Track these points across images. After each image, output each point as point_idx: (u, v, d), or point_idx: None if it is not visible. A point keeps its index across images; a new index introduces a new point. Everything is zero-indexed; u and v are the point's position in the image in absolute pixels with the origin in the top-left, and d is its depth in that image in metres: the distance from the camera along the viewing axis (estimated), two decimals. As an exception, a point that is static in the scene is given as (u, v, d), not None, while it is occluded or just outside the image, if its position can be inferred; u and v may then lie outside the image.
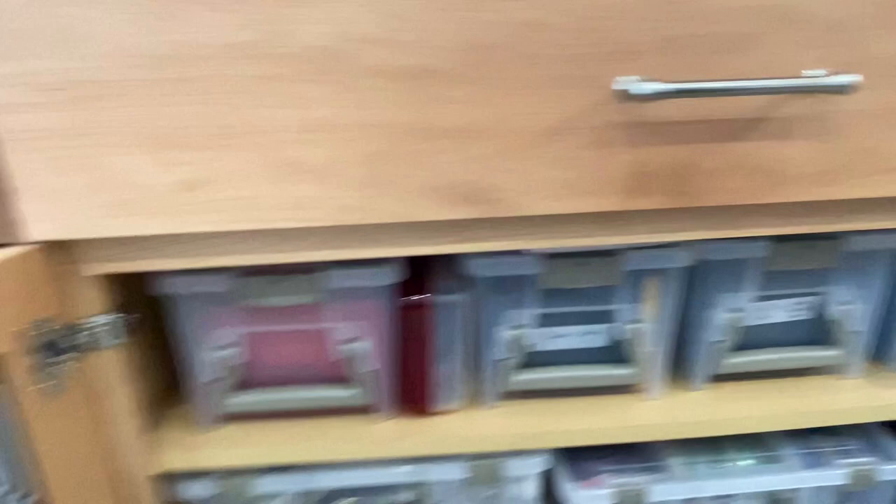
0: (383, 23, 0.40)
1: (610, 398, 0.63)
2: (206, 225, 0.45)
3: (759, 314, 0.62)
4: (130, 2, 0.39)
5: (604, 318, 0.60)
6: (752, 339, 0.62)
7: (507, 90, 0.43)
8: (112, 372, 0.52)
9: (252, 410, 0.59)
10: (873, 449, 0.65)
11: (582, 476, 0.64)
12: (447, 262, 0.60)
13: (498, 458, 0.61)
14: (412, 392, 0.60)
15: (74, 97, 0.41)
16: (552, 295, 0.58)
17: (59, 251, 0.46)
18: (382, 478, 0.62)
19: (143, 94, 0.41)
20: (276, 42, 0.40)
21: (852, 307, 0.61)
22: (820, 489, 0.65)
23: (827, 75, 0.43)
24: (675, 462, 0.65)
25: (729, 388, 0.64)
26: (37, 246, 0.44)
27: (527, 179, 0.45)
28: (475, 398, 0.63)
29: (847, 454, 0.65)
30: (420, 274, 0.59)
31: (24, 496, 0.45)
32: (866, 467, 0.63)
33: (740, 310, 0.60)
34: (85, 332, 0.48)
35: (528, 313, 0.58)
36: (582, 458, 0.65)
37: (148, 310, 0.58)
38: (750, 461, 0.65)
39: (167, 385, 0.66)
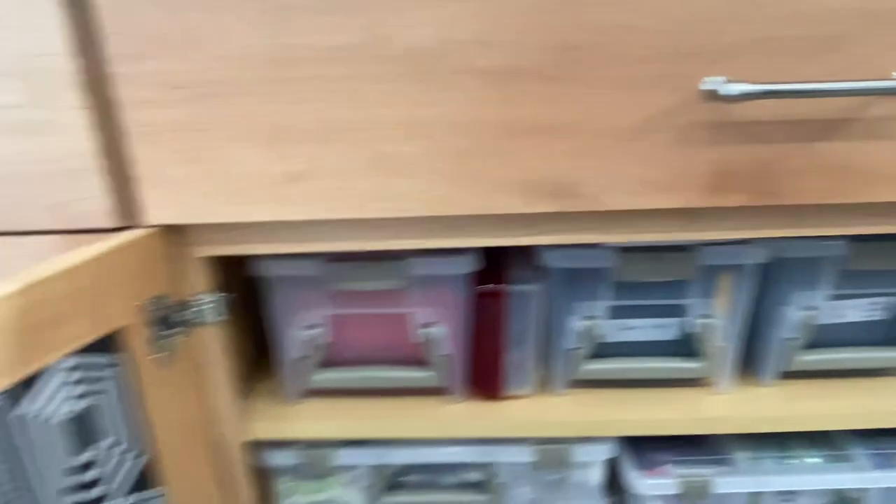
0: (479, 26, 0.43)
1: (678, 390, 0.64)
2: (306, 213, 0.48)
3: (834, 313, 0.62)
4: (248, 7, 0.42)
5: (675, 311, 0.61)
6: (824, 337, 0.62)
7: (594, 89, 0.44)
8: (213, 346, 0.56)
9: (334, 387, 0.63)
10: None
11: (646, 466, 0.65)
12: (522, 253, 0.62)
13: (565, 444, 0.63)
14: (484, 376, 0.63)
15: (195, 95, 0.45)
16: (624, 287, 0.59)
17: (174, 234, 0.51)
18: (452, 456, 0.65)
19: (256, 93, 0.44)
20: (377, 45, 0.43)
21: (932, 309, 0.60)
22: (889, 490, 0.65)
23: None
24: (741, 456, 0.66)
25: (799, 385, 0.64)
26: (156, 229, 0.49)
27: (609, 175, 0.47)
28: (545, 385, 0.65)
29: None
30: (495, 264, 0.61)
31: (138, 455, 0.49)
32: (940, 470, 0.62)
33: (814, 308, 0.60)
34: (193, 309, 0.53)
35: (601, 305, 0.60)
36: (646, 449, 0.67)
37: (242, 290, 0.63)
38: (817, 459, 0.65)
39: (257, 361, 0.71)
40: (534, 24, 0.42)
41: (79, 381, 0.43)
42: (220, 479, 0.60)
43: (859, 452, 0.65)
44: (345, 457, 0.65)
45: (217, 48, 0.43)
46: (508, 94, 0.44)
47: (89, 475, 0.44)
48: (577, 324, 0.61)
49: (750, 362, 0.66)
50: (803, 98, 0.44)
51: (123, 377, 0.47)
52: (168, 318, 0.51)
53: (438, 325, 0.60)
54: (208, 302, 0.53)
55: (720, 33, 0.43)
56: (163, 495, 0.51)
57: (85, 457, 0.44)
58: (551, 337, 0.62)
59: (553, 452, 0.63)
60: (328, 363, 0.62)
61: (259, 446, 0.64)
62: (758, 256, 0.56)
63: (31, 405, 0.40)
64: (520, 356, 0.62)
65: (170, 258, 0.51)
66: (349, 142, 0.46)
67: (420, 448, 0.64)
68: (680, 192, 0.47)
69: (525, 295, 0.59)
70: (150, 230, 0.49)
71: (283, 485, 0.68)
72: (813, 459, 0.65)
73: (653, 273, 0.57)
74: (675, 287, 0.59)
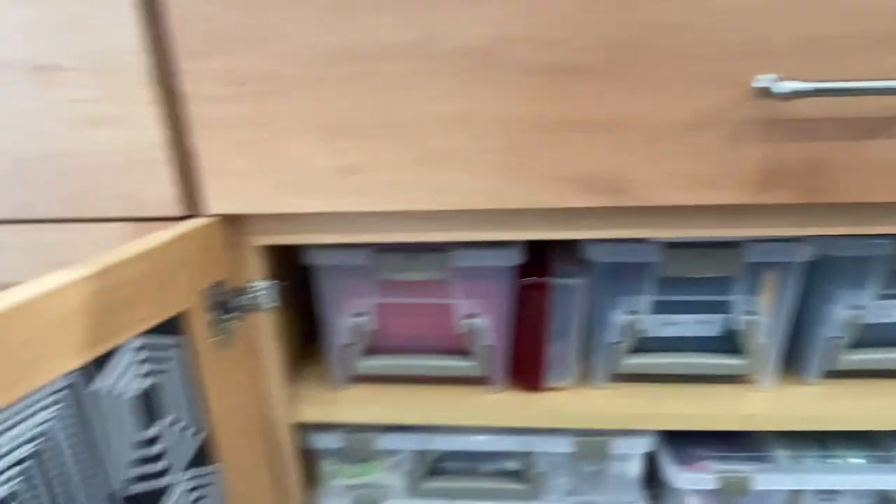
0: (532, 23, 0.44)
1: (719, 386, 0.64)
2: (359, 205, 0.50)
3: (881, 312, 0.61)
4: (310, 5, 0.44)
5: (719, 308, 0.61)
6: (870, 336, 0.61)
7: (644, 86, 0.45)
8: (265, 331, 0.59)
9: (379, 373, 0.65)
10: None
11: (685, 461, 0.66)
12: (566, 247, 0.63)
13: (605, 437, 0.64)
14: (526, 368, 0.64)
15: (257, 90, 0.47)
16: (668, 283, 0.60)
17: (234, 224, 0.53)
18: (492, 445, 0.66)
19: (315, 88, 0.46)
20: (432, 42, 0.45)
21: None
22: (935, 493, 0.64)
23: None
24: (782, 454, 0.66)
25: (843, 384, 0.64)
26: (216, 218, 0.51)
27: (658, 171, 0.47)
28: (585, 377, 0.66)
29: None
30: (539, 257, 0.63)
31: (197, 432, 0.52)
32: None
33: (861, 307, 0.60)
34: (248, 295, 0.55)
35: (644, 300, 0.60)
36: (684, 444, 0.67)
37: (293, 278, 0.65)
38: (860, 459, 0.65)
39: (306, 347, 0.73)
40: (585, 22, 0.43)
41: (144, 361, 0.46)
42: (271, 458, 0.62)
43: (904, 454, 0.65)
44: (388, 441, 0.67)
45: (279, 46, 0.45)
46: (559, 90, 0.45)
47: (155, 449, 0.47)
48: (619, 318, 0.61)
49: (793, 360, 0.65)
50: (854, 96, 0.44)
51: (185, 358, 0.49)
52: (226, 304, 0.53)
53: (481, 317, 0.62)
54: (262, 289, 0.56)
55: (772, 31, 0.43)
56: (218, 471, 0.54)
57: (151, 431, 0.47)
58: (593, 330, 0.63)
59: (592, 444, 0.64)
60: (374, 350, 0.64)
61: (306, 429, 0.66)
62: (805, 254, 0.56)
63: (104, 382, 0.43)
64: (562, 348, 0.63)
65: (228, 246, 0.53)
66: (402, 136, 0.47)
67: (461, 436, 0.66)
68: (729, 188, 0.47)
69: (569, 288, 0.60)
70: (212, 219, 0.51)
71: (327, 467, 0.70)
72: (856, 460, 0.65)
73: (698, 269, 0.57)
74: (720, 283, 0.59)
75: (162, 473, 0.48)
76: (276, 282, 0.57)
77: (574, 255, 0.61)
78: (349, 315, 0.62)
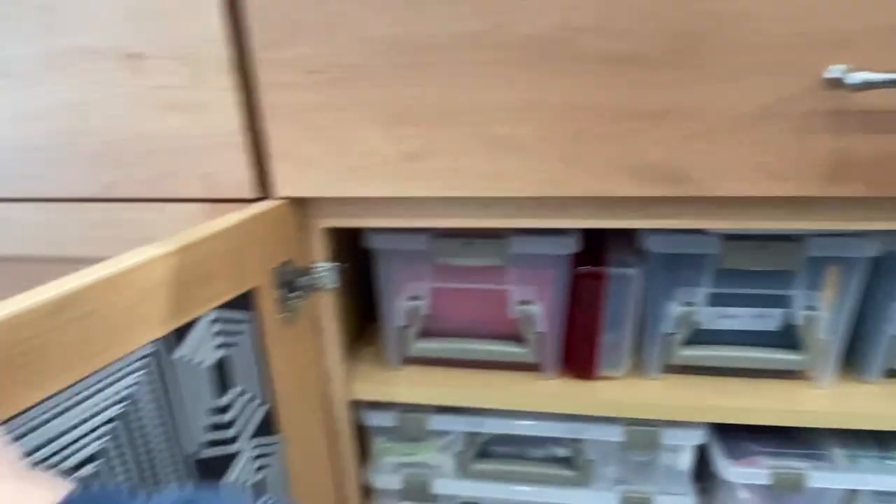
0: (599, 13, 0.44)
1: (775, 382, 0.63)
2: (421, 190, 0.52)
3: (950, 312, 0.59)
4: (381, -3, 0.46)
5: (778, 302, 0.60)
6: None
7: (711, 76, 0.45)
8: (326, 311, 0.61)
9: (433, 356, 0.67)
10: None
11: (736, 455, 0.65)
12: (622, 236, 0.63)
13: (656, 427, 0.64)
14: (579, 356, 0.65)
15: (329, 79, 0.49)
16: (726, 275, 0.59)
17: (301, 207, 0.55)
18: (543, 430, 0.67)
19: (383, 76, 0.48)
20: (500, 31, 0.46)
21: None
22: None
23: None
24: (838, 453, 0.65)
25: (907, 384, 0.62)
26: (285, 201, 0.54)
27: (722, 162, 0.47)
28: (638, 367, 0.66)
29: None
30: (595, 246, 0.63)
31: (261, 404, 0.55)
32: None
33: (929, 306, 0.58)
34: (312, 276, 0.58)
35: (701, 291, 0.60)
36: (737, 438, 0.67)
37: (353, 261, 0.67)
38: (922, 463, 0.63)
39: (363, 328, 0.76)
40: (652, 11, 0.43)
41: (218, 333, 0.49)
42: (328, 432, 0.65)
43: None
44: (439, 422, 0.68)
45: (351, 35, 0.47)
46: (624, 79, 0.46)
47: (227, 416, 0.50)
48: (675, 309, 0.61)
49: (854, 357, 0.64)
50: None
51: (254, 332, 0.52)
52: (292, 283, 0.56)
53: (535, 303, 0.62)
54: (325, 270, 0.58)
55: (841, 21, 0.42)
56: (280, 442, 0.57)
57: (224, 400, 0.50)
58: (648, 321, 0.63)
59: (643, 434, 0.65)
60: (428, 333, 0.66)
61: (361, 406, 0.69)
62: (870, 249, 0.55)
63: (184, 351, 0.46)
64: (615, 338, 0.63)
65: (296, 228, 0.55)
66: (466, 124, 0.49)
67: (512, 420, 0.67)
68: (794, 180, 0.47)
69: (625, 278, 0.60)
70: (281, 202, 0.53)
71: (380, 444, 0.72)
72: (918, 462, 0.63)
73: (757, 262, 0.56)
74: (780, 277, 0.59)
75: (232, 440, 0.51)
76: (337, 263, 0.59)
77: (630, 245, 0.61)
78: (406, 298, 0.64)
